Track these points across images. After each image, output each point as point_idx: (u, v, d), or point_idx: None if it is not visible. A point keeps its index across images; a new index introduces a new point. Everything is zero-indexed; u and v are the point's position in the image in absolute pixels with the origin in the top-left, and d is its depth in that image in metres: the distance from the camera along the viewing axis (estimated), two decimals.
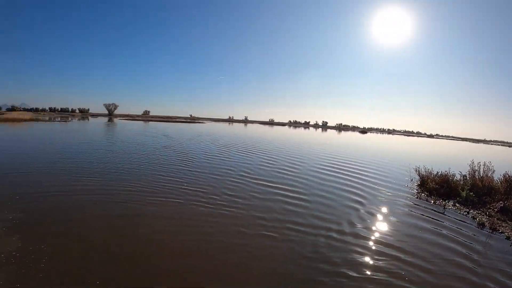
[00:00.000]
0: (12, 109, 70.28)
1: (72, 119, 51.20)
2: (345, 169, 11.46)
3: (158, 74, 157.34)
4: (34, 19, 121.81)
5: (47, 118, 49.92)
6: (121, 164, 9.84)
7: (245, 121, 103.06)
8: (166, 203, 6.02)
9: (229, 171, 9.37)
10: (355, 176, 9.95)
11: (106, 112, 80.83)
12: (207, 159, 11.70)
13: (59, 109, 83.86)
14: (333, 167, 11.62)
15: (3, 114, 49.01)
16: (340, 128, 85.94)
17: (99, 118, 65.33)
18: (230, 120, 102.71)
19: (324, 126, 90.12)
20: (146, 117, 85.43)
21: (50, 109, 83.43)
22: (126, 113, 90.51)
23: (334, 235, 4.78)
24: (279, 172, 9.73)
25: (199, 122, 71.43)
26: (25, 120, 38.95)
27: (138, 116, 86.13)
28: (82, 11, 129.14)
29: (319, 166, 11.78)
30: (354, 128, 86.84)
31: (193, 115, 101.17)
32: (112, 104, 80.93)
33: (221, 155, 13.18)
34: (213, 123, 72.04)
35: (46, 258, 3.68)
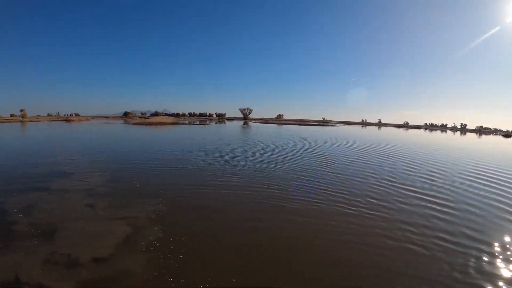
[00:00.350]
0: (155, 114, 77.48)
1: (209, 123, 57.17)
2: (493, 177, 10.24)
3: (290, 79, 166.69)
4: (177, 34, 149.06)
5: (187, 122, 55.10)
6: (262, 164, 10.62)
7: (379, 124, 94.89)
8: (306, 203, 6.09)
9: (372, 175, 9.66)
10: (507, 186, 8.94)
11: (241, 116, 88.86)
12: (347, 162, 12.35)
13: (198, 114, 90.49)
14: (479, 175, 10.60)
15: (148, 118, 54.69)
16: (481, 131, 68.18)
17: (235, 121, 71.56)
18: (363, 123, 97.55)
19: (463, 129, 73.38)
20: (279, 120, 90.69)
21: (190, 114, 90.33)
22: (260, 117, 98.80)
23: (492, 250, 4.39)
24: (423, 178, 9.78)
25: (332, 125, 70.63)
26: (168, 124, 43.08)
27: (271, 119, 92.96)
28: (226, 24, 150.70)
29: (463, 172, 11.03)
30: (496, 131, 67.36)
31: (325, 118, 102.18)
32: (247, 108, 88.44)
33: (361, 159, 13.82)
34: (346, 126, 69.59)
35: (185, 250, 3.75)
